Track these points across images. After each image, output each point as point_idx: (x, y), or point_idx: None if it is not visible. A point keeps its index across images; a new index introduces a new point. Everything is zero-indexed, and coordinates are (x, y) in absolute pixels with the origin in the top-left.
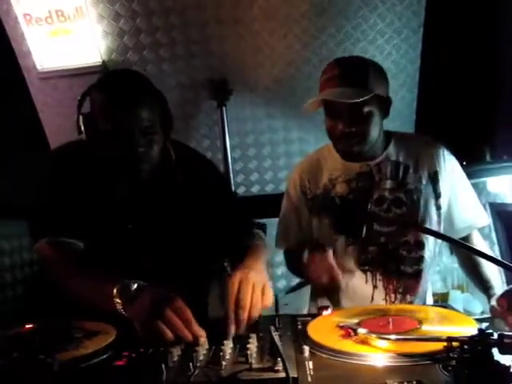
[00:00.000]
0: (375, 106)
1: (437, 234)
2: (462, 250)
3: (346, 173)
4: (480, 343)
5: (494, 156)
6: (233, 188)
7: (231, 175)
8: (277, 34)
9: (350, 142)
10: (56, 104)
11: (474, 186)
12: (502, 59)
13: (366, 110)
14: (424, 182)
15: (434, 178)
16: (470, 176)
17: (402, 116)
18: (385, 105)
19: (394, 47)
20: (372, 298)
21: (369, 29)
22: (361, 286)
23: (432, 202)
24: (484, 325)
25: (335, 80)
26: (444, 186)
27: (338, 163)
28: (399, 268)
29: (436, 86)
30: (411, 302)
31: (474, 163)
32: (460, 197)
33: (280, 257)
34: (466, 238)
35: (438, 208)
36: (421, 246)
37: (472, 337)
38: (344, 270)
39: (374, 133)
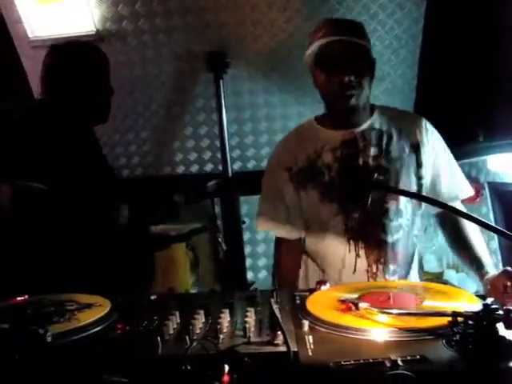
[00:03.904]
0: (367, 62)
1: (421, 197)
2: (449, 227)
3: (330, 142)
4: (485, 318)
5: (490, 136)
6: (228, 163)
7: (227, 150)
8: (276, 7)
9: (347, 95)
10: None
11: (473, 164)
12: (506, 39)
13: (362, 60)
14: (407, 151)
15: (416, 149)
16: (467, 154)
17: (402, 92)
18: (372, 66)
19: (395, 22)
20: (355, 268)
21: (370, 2)
22: (344, 255)
23: (413, 172)
24: (489, 300)
25: (334, 31)
26: (426, 157)
27: (322, 133)
28: (380, 236)
29: (438, 63)
30: (393, 272)
31: (471, 141)
32: (443, 168)
33: (261, 235)
34: None
35: (420, 178)
36: (400, 213)
37: (477, 312)
38: (329, 239)
39: (367, 89)
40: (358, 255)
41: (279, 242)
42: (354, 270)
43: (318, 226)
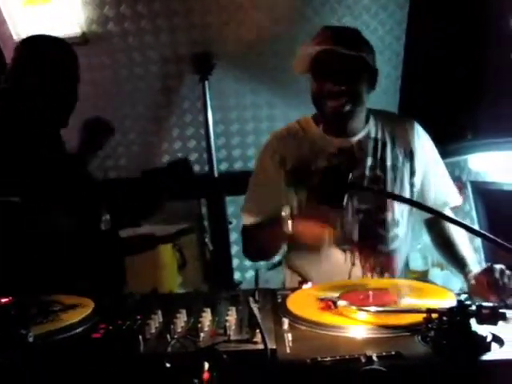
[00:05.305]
0: (364, 71)
1: (419, 205)
2: (435, 230)
3: (327, 148)
4: (458, 314)
5: (477, 135)
6: (215, 164)
7: (213, 151)
8: (262, 8)
9: (339, 101)
10: None
11: (455, 164)
12: (488, 38)
13: (356, 69)
14: (401, 159)
15: (410, 156)
16: (451, 154)
17: (387, 93)
18: (372, 76)
19: (379, 23)
20: (349, 276)
21: (354, 3)
22: (338, 264)
23: (407, 180)
24: (463, 296)
25: (328, 40)
26: (418, 164)
27: (319, 136)
28: (377, 247)
29: (421, 63)
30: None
31: (455, 141)
32: (433, 175)
33: None
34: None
35: (412, 186)
36: (396, 223)
37: (451, 308)
38: (322, 247)
39: (363, 97)
40: (353, 264)
41: (247, 229)
42: (349, 278)
43: None
